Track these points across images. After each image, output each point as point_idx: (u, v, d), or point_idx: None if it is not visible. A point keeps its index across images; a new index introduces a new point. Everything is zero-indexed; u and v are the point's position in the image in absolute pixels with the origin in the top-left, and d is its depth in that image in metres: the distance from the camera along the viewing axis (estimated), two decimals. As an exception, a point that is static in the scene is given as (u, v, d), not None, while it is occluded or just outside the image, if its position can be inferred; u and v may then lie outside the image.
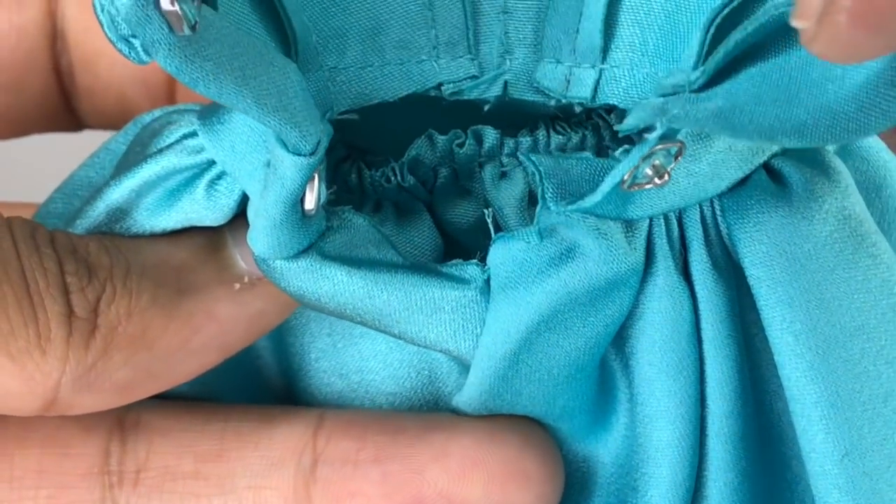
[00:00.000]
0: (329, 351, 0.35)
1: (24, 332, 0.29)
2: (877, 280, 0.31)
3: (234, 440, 0.33)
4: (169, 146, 0.32)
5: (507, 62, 0.33)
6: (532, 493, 0.32)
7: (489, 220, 0.33)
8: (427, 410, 0.34)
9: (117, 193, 0.32)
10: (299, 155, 0.29)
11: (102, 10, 0.26)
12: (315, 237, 0.31)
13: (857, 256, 0.31)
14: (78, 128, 0.41)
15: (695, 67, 0.29)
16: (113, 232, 0.32)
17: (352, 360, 0.35)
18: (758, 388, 0.33)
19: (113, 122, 0.40)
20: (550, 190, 0.31)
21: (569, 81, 0.32)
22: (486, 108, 0.33)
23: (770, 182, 0.32)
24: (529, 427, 0.33)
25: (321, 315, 0.34)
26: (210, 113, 0.32)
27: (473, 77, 0.33)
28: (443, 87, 0.33)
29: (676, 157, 0.30)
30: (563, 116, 0.34)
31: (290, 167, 0.29)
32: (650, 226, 0.31)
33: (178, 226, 0.32)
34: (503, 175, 0.33)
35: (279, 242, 0.31)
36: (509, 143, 0.33)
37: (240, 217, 0.32)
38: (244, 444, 0.33)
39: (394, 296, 0.31)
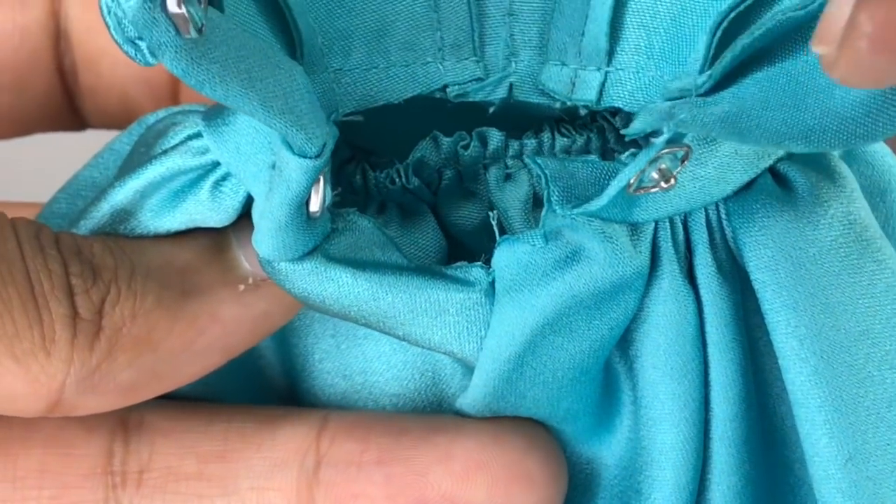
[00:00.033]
0: (333, 352, 0.35)
1: (28, 334, 0.29)
2: (882, 285, 0.31)
3: (238, 441, 0.33)
4: (173, 147, 0.32)
5: (513, 64, 0.33)
6: (536, 495, 0.32)
7: (494, 223, 0.33)
8: (431, 412, 0.34)
9: (122, 194, 0.32)
10: (305, 157, 0.29)
11: (109, 13, 0.26)
12: (320, 239, 0.31)
13: (862, 261, 0.31)
14: (81, 127, 0.41)
15: (701, 71, 0.29)
16: (117, 233, 0.32)
17: (355, 362, 0.35)
18: (761, 392, 0.33)
19: (116, 121, 0.40)
20: (556, 193, 0.31)
21: (574, 84, 0.32)
22: (491, 110, 0.33)
23: (776, 186, 0.32)
24: (533, 429, 0.33)
25: (325, 316, 0.34)
26: (215, 114, 0.32)
27: (479, 79, 0.33)
28: (448, 89, 0.33)
29: (683, 161, 0.30)
30: (568, 119, 0.34)
31: (295, 170, 0.29)
32: (655, 229, 0.31)
33: (183, 227, 0.32)
34: (508, 177, 0.33)
35: (284, 244, 0.31)
36: (514, 145, 0.33)
37: (244, 218, 0.32)
38: (247, 444, 0.33)
39: (398, 298, 0.31)
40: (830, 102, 0.27)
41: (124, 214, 0.32)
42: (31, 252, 0.30)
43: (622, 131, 0.31)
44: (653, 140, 0.29)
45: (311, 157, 0.29)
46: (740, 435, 0.32)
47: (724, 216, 0.32)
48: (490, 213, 0.33)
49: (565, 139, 0.33)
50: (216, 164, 0.31)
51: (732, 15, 0.29)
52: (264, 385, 0.36)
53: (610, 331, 0.31)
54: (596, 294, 0.31)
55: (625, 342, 0.32)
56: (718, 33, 0.29)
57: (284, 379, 0.36)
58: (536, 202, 0.33)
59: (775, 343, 0.31)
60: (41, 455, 0.33)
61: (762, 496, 0.33)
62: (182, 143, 0.32)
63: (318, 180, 0.30)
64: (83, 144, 0.38)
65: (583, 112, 0.33)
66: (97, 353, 0.30)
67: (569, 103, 0.32)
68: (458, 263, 0.32)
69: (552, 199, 0.31)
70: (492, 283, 0.31)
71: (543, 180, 0.31)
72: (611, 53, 0.31)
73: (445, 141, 0.33)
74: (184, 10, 0.25)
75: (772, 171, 0.32)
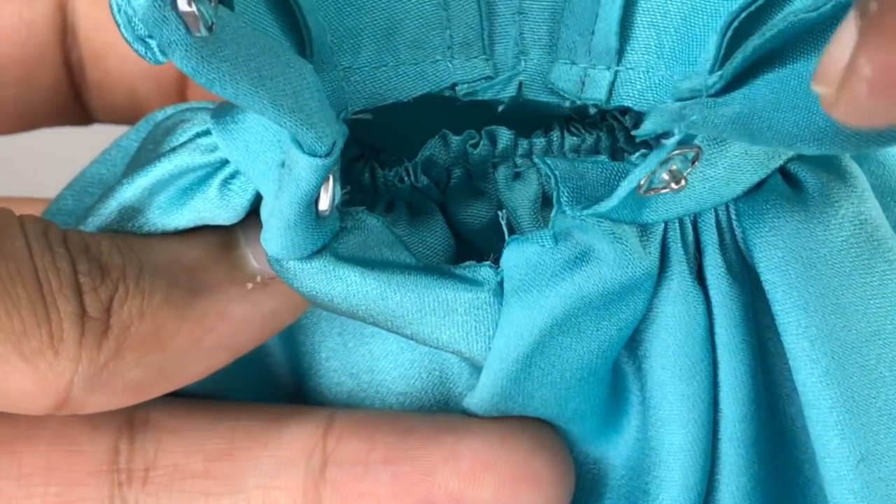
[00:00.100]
0: (340, 350, 0.35)
1: (37, 333, 0.29)
2: (893, 285, 0.31)
3: (244, 439, 0.33)
4: (182, 144, 0.32)
5: (522, 63, 0.33)
6: (543, 495, 0.32)
7: (503, 222, 0.33)
8: (438, 411, 0.34)
9: (130, 192, 0.32)
10: (315, 156, 0.29)
11: (119, 11, 0.26)
12: (329, 238, 0.31)
13: (874, 262, 0.31)
14: (87, 122, 0.41)
15: (711, 71, 0.29)
16: (125, 230, 0.32)
17: (362, 360, 0.35)
18: (771, 393, 0.33)
19: (123, 116, 0.40)
20: (566, 194, 0.31)
21: (584, 83, 0.32)
22: (501, 108, 0.33)
23: (786, 186, 0.32)
24: (540, 429, 0.33)
25: (332, 314, 0.34)
26: (224, 111, 0.31)
27: (488, 78, 0.33)
28: (457, 88, 0.33)
29: (693, 162, 0.30)
30: (578, 117, 0.33)
31: (305, 168, 0.29)
32: (665, 230, 0.31)
33: (191, 225, 0.32)
34: (517, 176, 0.33)
35: (293, 243, 0.30)
36: (523, 143, 0.33)
37: (252, 216, 0.32)
38: (254, 443, 0.33)
39: (407, 297, 0.31)
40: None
41: (132, 212, 0.32)
42: (39, 250, 0.30)
43: (633, 132, 0.31)
44: (663, 141, 0.29)
45: (320, 156, 0.29)
46: (749, 436, 0.32)
47: (734, 217, 0.32)
48: (499, 213, 0.33)
49: (575, 138, 0.33)
50: (225, 162, 0.31)
51: (743, 15, 0.29)
52: (271, 383, 0.36)
53: (619, 331, 0.31)
54: (605, 295, 0.31)
55: (633, 343, 0.32)
56: (729, 33, 0.29)
57: (291, 377, 0.36)
58: (545, 201, 0.33)
59: (786, 344, 0.31)
60: (47, 452, 0.33)
61: (771, 497, 0.33)
62: (191, 140, 0.32)
63: (328, 179, 0.30)
64: (90, 140, 0.38)
65: (592, 111, 0.33)
66: (105, 351, 0.30)
67: (578, 102, 0.32)
68: (467, 263, 0.32)
69: (562, 200, 0.31)
70: (500, 283, 0.31)
71: (553, 181, 0.31)
72: (621, 52, 0.31)
73: (454, 139, 0.33)
74: (194, 8, 0.25)
75: (782, 171, 0.32)
